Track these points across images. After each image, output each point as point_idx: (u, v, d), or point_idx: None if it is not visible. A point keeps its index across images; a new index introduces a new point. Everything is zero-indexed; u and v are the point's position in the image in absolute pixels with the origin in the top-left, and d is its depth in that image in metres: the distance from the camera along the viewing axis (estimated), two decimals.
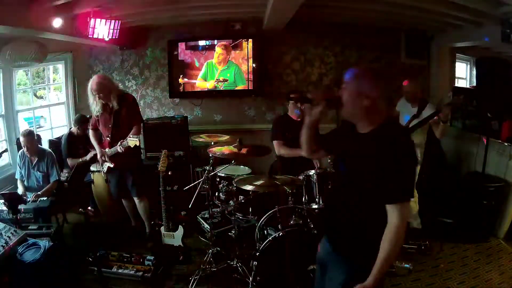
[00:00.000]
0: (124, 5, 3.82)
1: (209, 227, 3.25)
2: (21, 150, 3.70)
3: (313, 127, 1.76)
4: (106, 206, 3.95)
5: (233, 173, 3.57)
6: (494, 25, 3.45)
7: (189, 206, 3.23)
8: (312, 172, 2.93)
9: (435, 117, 3.23)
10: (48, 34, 3.57)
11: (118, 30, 3.96)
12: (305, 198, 2.90)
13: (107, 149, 3.42)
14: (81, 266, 3.03)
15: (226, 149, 3.00)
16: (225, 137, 3.62)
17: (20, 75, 4.81)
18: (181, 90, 5.22)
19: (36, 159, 3.67)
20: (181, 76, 5.15)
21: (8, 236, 2.58)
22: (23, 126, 4.33)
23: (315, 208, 2.88)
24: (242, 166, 3.93)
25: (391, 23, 4.79)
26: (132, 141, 3.13)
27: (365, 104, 1.49)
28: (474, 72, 5.72)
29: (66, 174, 3.97)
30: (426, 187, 3.82)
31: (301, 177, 2.93)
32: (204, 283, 2.92)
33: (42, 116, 5.69)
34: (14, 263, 2.49)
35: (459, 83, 5.89)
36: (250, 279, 2.61)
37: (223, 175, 3.43)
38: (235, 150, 2.91)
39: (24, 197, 3.42)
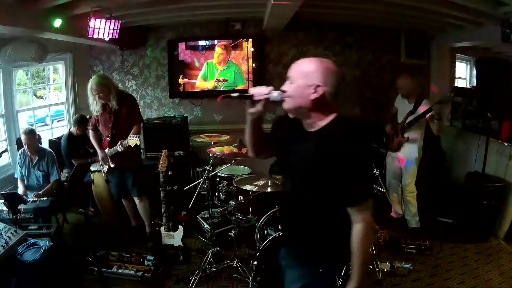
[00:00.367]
0: (124, 5, 3.82)
1: (209, 227, 3.25)
2: (21, 149, 3.71)
3: (256, 124, 1.59)
4: (106, 206, 3.95)
5: (233, 173, 3.57)
6: (494, 25, 3.45)
7: (189, 206, 3.23)
8: None
9: (430, 114, 3.28)
10: (48, 34, 3.57)
11: (118, 30, 3.96)
12: None
13: (107, 149, 3.42)
14: (81, 266, 3.03)
15: (226, 149, 3.00)
16: (225, 137, 3.63)
17: (20, 75, 4.81)
18: (181, 90, 5.22)
19: (37, 158, 3.67)
20: (181, 76, 5.15)
21: (8, 236, 2.58)
22: (23, 126, 4.33)
23: None
24: (242, 166, 3.93)
25: (391, 23, 4.79)
26: (133, 140, 3.13)
27: (313, 97, 1.38)
28: (474, 72, 5.71)
29: (66, 174, 3.97)
30: (426, 187, 3.83)
31: None
32: (204, 283, 2.92)
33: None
34: (14, 263, 2.49)
35: (459, 83, 5.89)
36: (250, 279, 2.61)
37: (223, 175, 3.43)
38: (235, 150, 2.91)
39: (24, 197, 3.42)
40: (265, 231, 2.79)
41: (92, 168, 3.82)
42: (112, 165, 3.41)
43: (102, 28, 3.74)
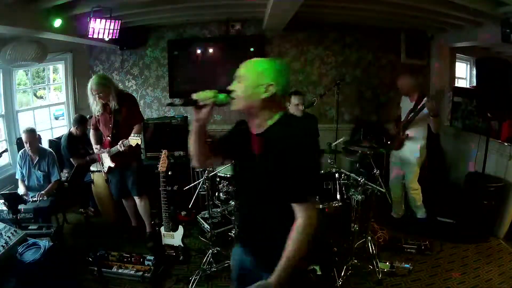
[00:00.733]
0: (124, 5, 3.82)
1: (209, 227, 3.25)
2: (22, 150, 3.72)
3: (202, 131, 1.56)
4: (106, 206, 3.95)
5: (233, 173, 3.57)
6: (494, 25, 3.45)
7: (189, 206, 3.22)
8: None
9: (428, 112, 3.30)
10: (48, 34, 3.58)
11: (118, 30, 3.96)
12: None
13: (107, 149, 3.42)
14: (81, 266, 3.03)
15: None
16: None
17: (20, 75, 4.81)
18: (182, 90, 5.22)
19: (37, 158, 3.68)
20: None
21: (8, 236, 2.58)
22: (23, 126, 4.33)
23: None
24: None
25: (391, 23, 4.79)
26: (134, 140, 3.13)
27: (264, 96, 1.41)
28: (474, 72, 5.72)
29: (66, 174, 3.97)
30: (425, 186, 3.83)
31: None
32: (204, 283, 2.93)
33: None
34: (14, 263, 2.49)
35: (459, 83, 5.89)
36: None
37: (223, 175, 3.43)
38: None
39: (25, 197, 3.42)
40: None
41: (92, 168, 3.82)
42: (112, 165, 3.41)
43: (102, 28, 3.74)
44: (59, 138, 4.59)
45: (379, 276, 2.86)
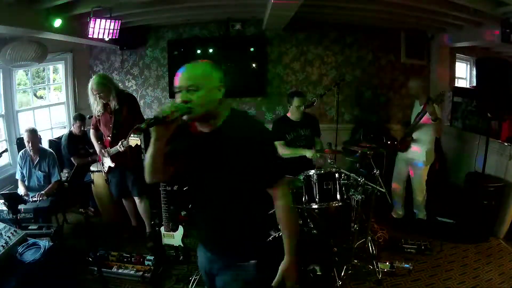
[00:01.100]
0: (124, 5, 3.82)
1: None
2: (22, 150, 3.72)
3: (164, 147, 1.44)
4: (106, 206, 3.95)
5: None
6: (494, 25, 3.45)
7: (189, 206, 3.22)
8: (312, 172, 2.93)
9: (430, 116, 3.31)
10: (48, 34, 3.58)
11: (118, 30, 3.96)
12: (305, 198, 2.90)
13: (107, 149, 3.42)
14: (81, 266, 3.03)
15: None
16: None
17: (20, 75, 4.81)
18: None
19: (38, 158, 3.68)
20: None
21: (8, 236, 2.58)
22: (23, 126, 4.33)
23: (315, 208, 2.89)
24: None
25: (391, 23, 4.79)
26: (133, 140, 3.13)
27: (219, 97, 1.44)
28: (474, 72, 5.72)
29: (66, 174, 3.97)
30: (425, 186, 3.83)
31: (301, 177, 2.93)
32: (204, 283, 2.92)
33: None
34: (14, 263, 2.49)
35: (459, 83, 5.89)
36: None
37: None
38: None
39: (26, 197, 3.42)
40: None
41: (92, 168, 3.82)
42: (112, 165, 3.41)
43: (102, 28, 3.74)
44: (59, 138, 4.60)
45: (379, 276, 2.86)
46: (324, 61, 5.25)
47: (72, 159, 4.28)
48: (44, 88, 5.31)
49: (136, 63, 5.36)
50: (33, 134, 3.61)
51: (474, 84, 5.55)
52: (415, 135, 3.60)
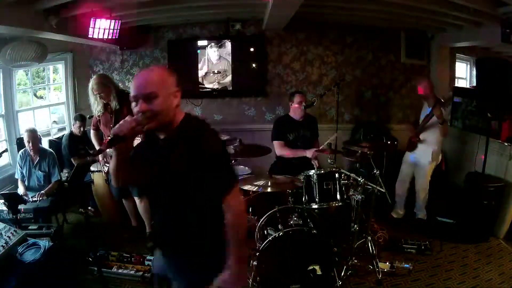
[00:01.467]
0: (124, 5, 3.82)
1: None
2: (22, 149, 3.72)
3: (128, 158, 1.49)
4: (106, 206, 3.95)
5: None
6: (494, 25, 3.45)
7: None
8: (312, 172, 2.93)
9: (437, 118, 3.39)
10: (48, 34, 3.57)
11: (118, 30, 3.96)
12: (305, 198, 2.91)
13: (108, 150, 3.41)
14: (81, 266, 3.03)
15: None
16: (225, 137, 3.62)
17: (20, 75, 4.81)
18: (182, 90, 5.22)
19: (38, 158, 3.68)
20: None
21: (8, 236, 2.58)
22: (23, 126, 4.33)
23: (315, 208, 2.89)
24: (242, 166, 3.93)
25: (391, 23, 4.79)
26: (135, 141, 3.13)
27: (175, 103, 1.43)
28: (474, 72, 5.72)
29: (66, 174, 3.97)
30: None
31: (301, 177, 2.93)
32: None
33: None
34: (14, 263, 2.49)
35: (459, 83, 5.89)
36: (250, 279, 2.61)
37: None
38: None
39: (25, 197, 3.42)
40: (265, 231, 2.78)
41: (92, 168, 3.82)
42: None
43: (102, 28, 3.74)
44: (59, 138, 4.60)
45: (379, 276, 2.86)
46: (324, 61, 5.25)
47: (72, 159, 4.28)
48: (44, 88, 5.31)
49: (136, 63, 5.35)
50: (33, 134, 3.62)
51: (474, 84, 5.54)
52: (422, 135, 3.67)
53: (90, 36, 3.70)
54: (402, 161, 3.99)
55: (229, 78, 5.12)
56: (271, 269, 2.56)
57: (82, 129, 4.40)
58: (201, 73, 5.13)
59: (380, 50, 5.23)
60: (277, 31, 5.03)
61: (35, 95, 5.24)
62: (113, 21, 3.82)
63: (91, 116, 3.60)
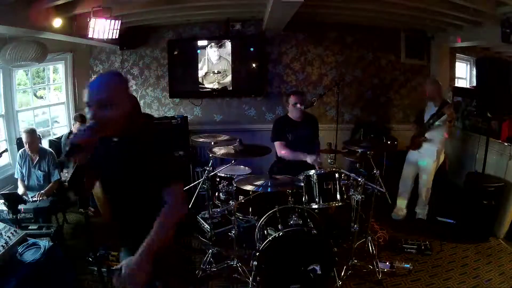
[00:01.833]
0: (124, 5, 3.82)
1: (209, 227, 3.25)
2: (22, 149, 3.71)
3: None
4: (106, 206, 3.94)
5: (233, 173, 3.57)
6: (494, 25, 3.45)
7: (189, 206, 3.22)
8: (312, 172, 2.93)
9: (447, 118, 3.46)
10: (48, 34, 3.57)
11: (118, 30, 3.96)
12: (305, 198, 2.90)
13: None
14: (81, 266, 3.03)
15: (226, 149, 3.00)
16: (225, 137, 3.62)
17: (20, 75, 4.80)
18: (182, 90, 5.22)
19: (37, 158, 3.68)
20: None
21: (8, 236, 2.58)
22: (23, 126, 4.33)
23: (315, 208, 2.89)
24: (242, 166, 3.93)
25: (391, 23, 4.79)
26: None
27: (128, 107, 1.45)
28: (474, 72, 5.72)
29: (66, 174, 3.96)
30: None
31: (301, 177, 2.93)
32: (204, 283, 2.92)
33: None
34: (14, 263, 2.48)
35: (459, 83, 5.89)
36: (250, 279, 2.61)
37: (223, 175, 3.42)
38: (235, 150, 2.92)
39: (25, 197, 3.42)
40: (265, 231, 2.79)
41: None
42: None
43: (102, 28, 3.74)
44: (59, 138, 4.59)
45: (379, 276, 2.86)
46: (324, 61, 5.25)
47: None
48: (44, 88, 5.30)
49: (136, 63, 5.35)
50: (31, 135, 3.59)
51: (474, 84, 5.54)
52: (427, 135, 3.69)
53: (90, 36, 3.70)
54: (405, 160, 3.99)
55: (229, 78, 5.13)
56: (271, 269, 2.56)
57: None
58: (201, 73, 5.14)
59: (380, 50, 5.23)
60: (277, 31, 5.03)
61: (35, 95, 5.23)
62: (113, 21, 3.82)
63: None
